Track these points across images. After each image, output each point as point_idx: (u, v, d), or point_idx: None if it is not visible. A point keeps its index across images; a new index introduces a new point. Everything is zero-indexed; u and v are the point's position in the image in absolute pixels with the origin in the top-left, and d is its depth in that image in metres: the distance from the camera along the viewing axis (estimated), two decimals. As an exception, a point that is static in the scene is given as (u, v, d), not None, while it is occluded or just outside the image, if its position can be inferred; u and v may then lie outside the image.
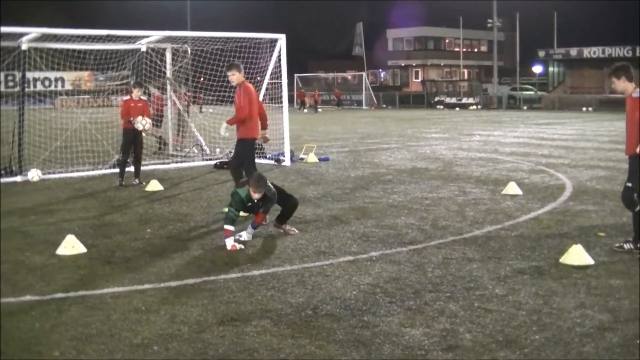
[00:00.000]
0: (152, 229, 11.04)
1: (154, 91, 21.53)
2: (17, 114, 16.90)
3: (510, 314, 6.86)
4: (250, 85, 12.30)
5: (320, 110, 64.40)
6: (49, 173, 17.24)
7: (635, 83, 8.93)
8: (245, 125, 12.02)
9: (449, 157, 21.38)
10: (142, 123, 15.47)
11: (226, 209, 10.06)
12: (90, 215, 12.26)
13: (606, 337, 6.20)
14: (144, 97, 16.16)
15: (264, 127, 12.97)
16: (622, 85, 8.93)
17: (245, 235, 10.09)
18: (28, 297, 7.50)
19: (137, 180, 15.78)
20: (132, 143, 15.73)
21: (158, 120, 21.42)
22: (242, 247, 9.64)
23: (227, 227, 9.70)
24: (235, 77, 12.01)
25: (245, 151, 12.12)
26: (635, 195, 8.97)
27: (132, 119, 15.40)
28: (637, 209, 8.98)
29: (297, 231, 10.52)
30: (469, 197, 13.69)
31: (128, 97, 15.89)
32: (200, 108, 30.84)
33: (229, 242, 9.59)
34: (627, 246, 9.10)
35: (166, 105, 21.99)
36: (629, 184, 9.08)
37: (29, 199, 13.93)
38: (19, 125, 16.80)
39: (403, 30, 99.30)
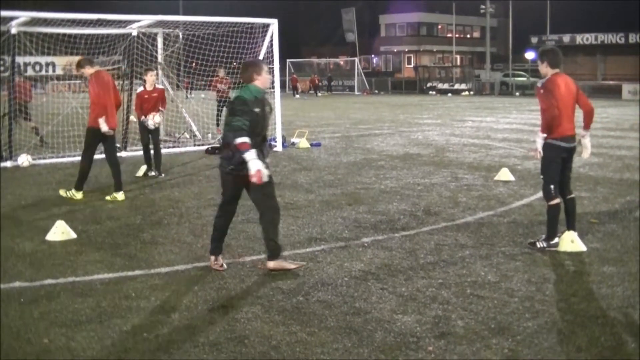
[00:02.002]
0: (143, 215, 10.98)
1: (18, 79, 20.30)
2: (8, 99, 16.77)
3: (503, 300, 6.84)
4: (105, 74, 12.47)
5: (320, 94, 64.36)
6: (40, 158, 17.13)
7: (559, 69, 8.66)
8: (96, 114, 12.04)
9: (441, 143, 21.36)
10: (154, 121, 14.77)
11: (234, 123, 7.45)
12: (81, 201, 12.18)
13: (599, 325, 6.18)
14: (159, 86, 15.40)
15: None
16: (544, 70, 8.70)
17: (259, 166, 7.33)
18: (17, 284, 7.44)
19: (156, 172, 15.00)
20: (149, 133, 14.99)
21: (24, 111, 19.58)
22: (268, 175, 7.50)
23: (241, 140, 7.34)
24: (86, 71, 12.13)
25: (88, 139, 12.35)
26: (551, 187, 8.69)
27: (143, 117, 14.75)
28: (551, 202, 8.68)
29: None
30: (462, 183, 13.66)
31: (142, 88, 14.97)
32: (187, 93, 30.70)
33: (254, 165, 7.26)
34: (539, 244, 8.71)
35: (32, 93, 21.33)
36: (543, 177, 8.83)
37: (18, 185, 13.84)
38: (9, 110, 16.68)
39: (396, 16, 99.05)
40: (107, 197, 12.22)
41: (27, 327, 6.19)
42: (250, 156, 7.27)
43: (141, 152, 15.48)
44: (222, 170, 7.77)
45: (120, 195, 12.20)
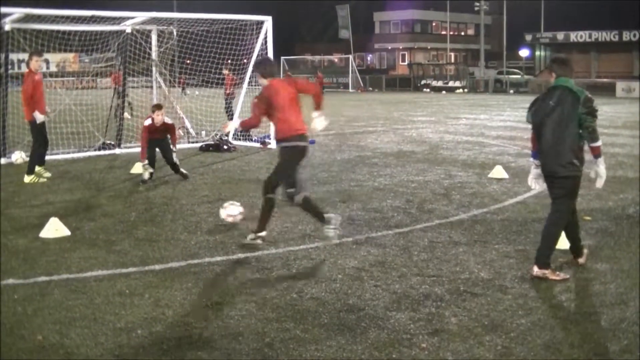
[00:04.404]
0: (137, 212, 10.97)
1: None
2: (1, 96, 16.72)
3: (496, 298, 6.86)
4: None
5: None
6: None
7: (273, 77, 8.92)
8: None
9: (435, 140, 21.37)
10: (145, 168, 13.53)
11: (594, 124, 7.47)
12: (75, 198, 12.18)
13: (592, 321, 6.20)
14: (169, 121, 13.84)
15: None
16: (261, 81, 8.95)
17: None
18: (11, 281, 7.44)
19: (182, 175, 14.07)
20: (155, 149, 13.77)
21: None
22: None
23: (600, 143, 7.52)
24: None
25: None
26: (272, 183, 8.83)
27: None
28: (266, 195, 8.83)
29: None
30: (455, 180, 13.68)
31: (149, 121, 13.51)
32: (183, 90, 30.67)
33: (605, 171, 7.68)
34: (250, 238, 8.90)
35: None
36: None
37: (12, 182, 13.81)
38: (2, 107, 16.63)
39: (390, 13, 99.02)
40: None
41: (21, 324, 6.18)
42: (603, 161, 7.59)
43: (135, 150, 15.38)
44: (576, 174, 7.55)
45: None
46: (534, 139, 7.79)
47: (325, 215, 8.82)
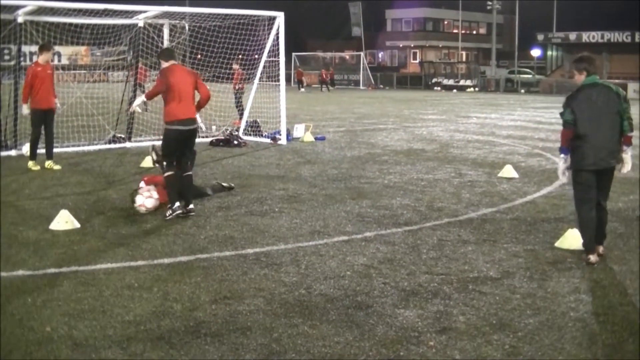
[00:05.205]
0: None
1: None
2: (13, 88, 16.77)
3: (505, 297, 6.85)
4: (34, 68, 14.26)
5: (332, 89, 61.98)
6: (44, 148, 17.11)
7: (174, 61, 10.34)
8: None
9: (445, 138, 21.34)
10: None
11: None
12: (85, 191, 12.21)
13: (600, 322, 6.19)
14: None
15: None
16: (162, 65, 10.31)
17: None
18: (21, 272, 7.47)
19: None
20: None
21: None
22: None
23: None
24: None
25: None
26: (163, 163, 10.33)
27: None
28: (165, 174, 10.16)
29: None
30: (465, 179, 13.66)
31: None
32: None
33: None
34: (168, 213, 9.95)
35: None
36: None
37: (23, 174, 13.86)
38: (14, 99, 16.68)
39: (402, 11, 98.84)
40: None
41: (30, 315, 6.21)
42: (631, 150, 8.01)
43: (145, 143, 15.39)
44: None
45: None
46: (564, 134, 8.01)
47: (191, 206, 10.13)
